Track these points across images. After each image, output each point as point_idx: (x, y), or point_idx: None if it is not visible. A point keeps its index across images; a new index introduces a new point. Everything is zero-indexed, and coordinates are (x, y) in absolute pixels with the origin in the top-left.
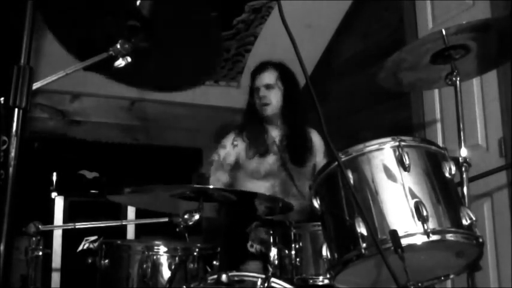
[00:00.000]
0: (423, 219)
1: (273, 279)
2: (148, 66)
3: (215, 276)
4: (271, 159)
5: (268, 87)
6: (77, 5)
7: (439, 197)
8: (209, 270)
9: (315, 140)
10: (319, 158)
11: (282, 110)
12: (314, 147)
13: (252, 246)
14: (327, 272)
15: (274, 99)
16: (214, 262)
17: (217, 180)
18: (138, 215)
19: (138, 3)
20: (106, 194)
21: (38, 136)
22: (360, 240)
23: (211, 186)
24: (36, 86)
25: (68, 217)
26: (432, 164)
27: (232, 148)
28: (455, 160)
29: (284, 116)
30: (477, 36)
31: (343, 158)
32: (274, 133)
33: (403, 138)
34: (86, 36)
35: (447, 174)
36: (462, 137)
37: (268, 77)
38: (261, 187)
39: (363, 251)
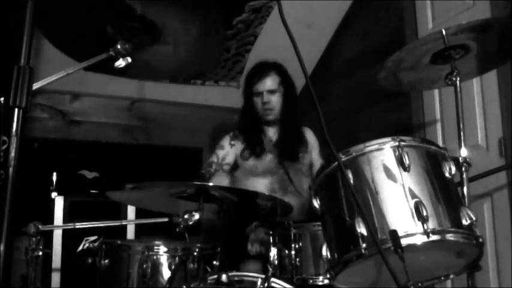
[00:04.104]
0: (423, 219)
1: (273, 279)
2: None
3: (215, 276)
4: (268, 157)
5: (271, 92)
6: (73, 14)
7: (439, 197)
8: (209, 270)
9: (309, 137)
10: (315, 154)
11: (282, 112)
12: (309, 144)
13: (252, 247)
14: (327, 272)
15: (277, 104)
16: (214, 262)
17: (219, 183)
18: (138, 215)
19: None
20: (106, 191)
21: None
22: (360, 240)
23: (211, 184)
24: (36, 86)
25: (68, 217)
26: (432, 164)
27: (230, 148)
28: (455, 160)
29: (283, 117)
30: (477, 36)
31: (343, 158)
32: (271, 132)
33: (403, 138)
34: (84, 42)
35: (447, 174)
36: (462, 137)
37: (272, 82)
38: (260, 184)
39: (362, 251)
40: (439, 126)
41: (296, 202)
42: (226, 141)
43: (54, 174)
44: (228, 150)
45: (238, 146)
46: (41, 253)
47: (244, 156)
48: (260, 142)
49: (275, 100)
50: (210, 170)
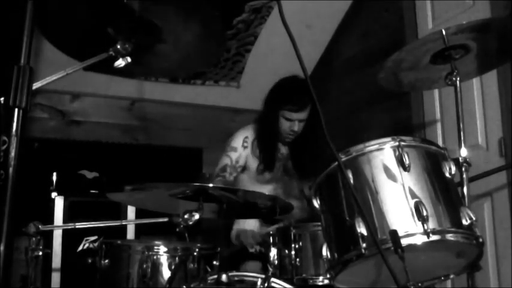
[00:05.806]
0: (423, 219)
1: (273, 279)
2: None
3: (215, 276)
4: (276, 169)
5: (302, 121)
6: (73, 14)
7: (439, 197)
8: (209, 270)
9: None
10: None
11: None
12: None
13: (252, 246)
14: (327, 272)
15: (300, 130)
16: (214, 262)
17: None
18: (138, 215)
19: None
20: (106, 192)
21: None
22: (360, 240)
23: (211, 185)
24: (36, 86)
25: (68, 217)
26: (432, 164)
27: (243, 150)
28: (455, 160)
29: (302, 138)
30: (477, 36)
31: (343, 158)
32: (283, 149)
33: (403, 138)
34: (84, 42)
35: (447, 174)
36: (462, 137)
37: (306, 113)
38: (263, 190)
39: (363, 251)
40: (439, 126)
41: (298, 205)
42: (239, 143)
43: (54, 174)
44: (241, 153)
45: (249, 149)
46: (41, 253)
47: (259, 170)
48: (274, 159)
49: (301, 127)
50: (225, 175)
